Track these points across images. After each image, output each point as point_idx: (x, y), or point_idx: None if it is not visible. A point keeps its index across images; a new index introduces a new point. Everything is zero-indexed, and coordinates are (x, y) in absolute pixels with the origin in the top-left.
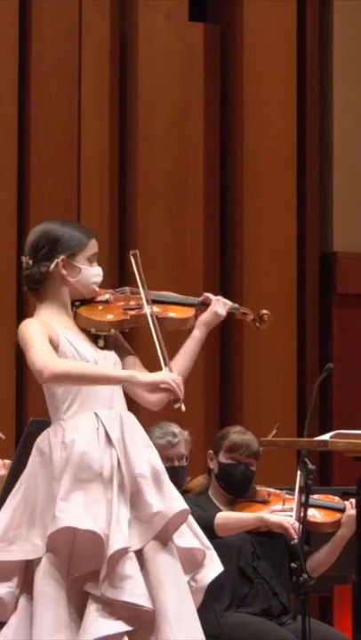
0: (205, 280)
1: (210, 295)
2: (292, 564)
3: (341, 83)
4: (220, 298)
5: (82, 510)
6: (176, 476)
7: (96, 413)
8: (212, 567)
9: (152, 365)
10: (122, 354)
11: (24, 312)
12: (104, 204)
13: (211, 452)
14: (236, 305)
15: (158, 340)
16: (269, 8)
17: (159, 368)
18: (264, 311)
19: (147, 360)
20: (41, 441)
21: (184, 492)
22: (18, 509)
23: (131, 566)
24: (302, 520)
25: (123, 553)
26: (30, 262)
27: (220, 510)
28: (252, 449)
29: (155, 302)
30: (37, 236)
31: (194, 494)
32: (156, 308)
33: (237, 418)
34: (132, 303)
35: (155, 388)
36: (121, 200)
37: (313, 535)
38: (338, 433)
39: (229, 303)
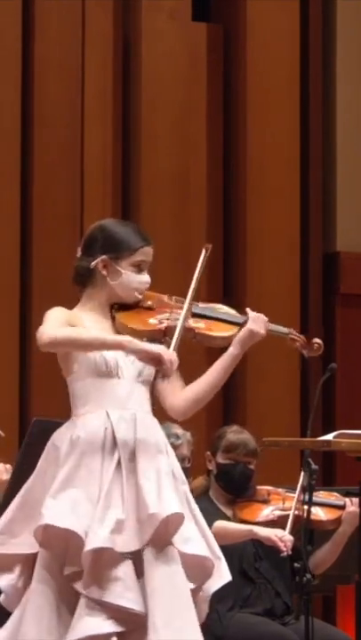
0: (208, 280)
1: (249, 312)
2: (295, 564)
3: (344, 83)
4: (260, 315)
5: (67, 508)
6: None
7: (108, 412)
8: (219, 577)
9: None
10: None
11: (26, 311)
12: (107, 203)
13: (208, 453)
14: (283, 329)
15: (180, 328)
16: (272, 8)
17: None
18: (316, 340)
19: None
20: (56, 435)
21: None
22: (23, 502)
23: (122, 568)
24: (306, 519)
25: (107, 553)
26: (80, 254)
27: (222, 512)
28: (250, 447)
29: (199, 317)
30: (92, 230)
31: (195, 495)
32: (201, 324)
33: (240, 418)
34: (174, 314)
35: (148, 357)
36: (124, 199)
37: (315, 533)
38: (341, 433)
39: (269, 324)
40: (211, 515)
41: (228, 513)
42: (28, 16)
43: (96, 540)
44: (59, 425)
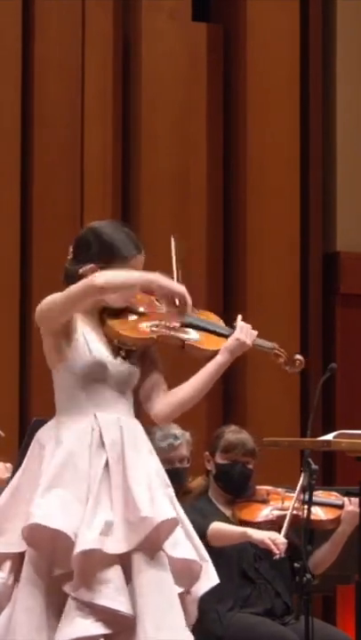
0: (208, 280)
1: (238, 321)
2: (295, 564)
3: (344, 83)
4: (246, 326)
5: (56, 508)
6: (178, 477)
7: (95, 415)
8: (207, 579)
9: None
10: (148, 367)
11: (26, 311)
12: (107, 203)
13: (207, 453)
14: (268, 343)
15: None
16: (272, 8)
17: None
18: (298, 356)
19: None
20: (41, 433)
21: (185, 493)
22: (8, 501)
23: (112, 570)
24: (306, 519)
25: (96, 555)
26: (71, 256)
27: (221, 512)
28: (248, 447)
29: (189, 327)
30: (85, 233)
31: (194, 495)
32: (191, 335)
33: (240, 418)
34: (165, 322)
35: (166, 292)
36: (124, 199)
37: (314, 533)
38: (341, 433)
39: (254, 333)
40: (210, 515)
41: (228, 513)
42: (28, 16)
43: (85, 542)
44: None
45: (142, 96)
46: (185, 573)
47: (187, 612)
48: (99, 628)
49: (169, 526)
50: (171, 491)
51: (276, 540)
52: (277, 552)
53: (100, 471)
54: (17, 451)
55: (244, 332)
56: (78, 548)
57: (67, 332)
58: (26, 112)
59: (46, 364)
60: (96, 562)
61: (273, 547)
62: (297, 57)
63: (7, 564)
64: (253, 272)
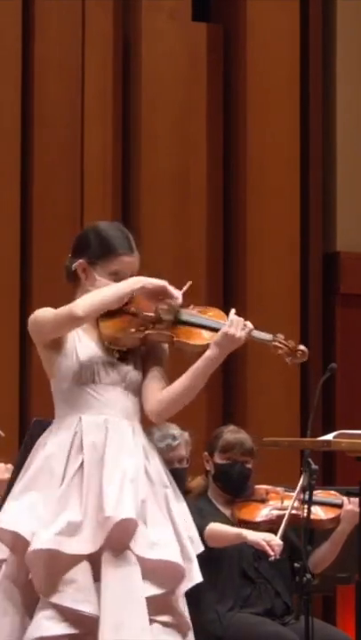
0: (208, 280)
1: (230, 314)
2: (295, 564)
3: (344, 83)
4: (239, 319)
5: (23, 512)
6: (177, 478)
7: (81, 417)
8: (188, 579)
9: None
10: (150, 367)
11: (26, 311)
12: (107, 203)
13: (206, 453)
14: (267, 335)
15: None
16: (272, 8)
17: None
18: (301, 346)
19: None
20: (42, 439)
21: (185, 493)
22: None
23: (77, 570)
24: (306, 519)
25: (59, 556)
26: (70, 254)
27: (221, 512)
28: (246, 446)
29: (182, 323)
30: (83, 230)
31: (194, 495)
32: (184, 332)
33: (240, 418)
34: (155, 320)
35: (152, 290)
36: (124, 199)
37: (314, 533)
38: (341, 433)
39: (250, 326)
40: (208, 516)
41: (227, 513)
42: (28, 16)
43: (38, 541)
44: None
45: (142, 96)
46: (166, 574)
47: (173, 611)
48: (63, 629)
49: (129, 525)
50: (168, 491)
51: (271, 542)
52: (272, 554)
53: (72, 473)
54: (17, 451)
55: (234, 325)
56: (30, 547)
57: (58, 343)
58: (26, 112)
59: None
60: (61, 563)
61: (268, 548)
62: (297, 57)
63: None
64: (253, 272)
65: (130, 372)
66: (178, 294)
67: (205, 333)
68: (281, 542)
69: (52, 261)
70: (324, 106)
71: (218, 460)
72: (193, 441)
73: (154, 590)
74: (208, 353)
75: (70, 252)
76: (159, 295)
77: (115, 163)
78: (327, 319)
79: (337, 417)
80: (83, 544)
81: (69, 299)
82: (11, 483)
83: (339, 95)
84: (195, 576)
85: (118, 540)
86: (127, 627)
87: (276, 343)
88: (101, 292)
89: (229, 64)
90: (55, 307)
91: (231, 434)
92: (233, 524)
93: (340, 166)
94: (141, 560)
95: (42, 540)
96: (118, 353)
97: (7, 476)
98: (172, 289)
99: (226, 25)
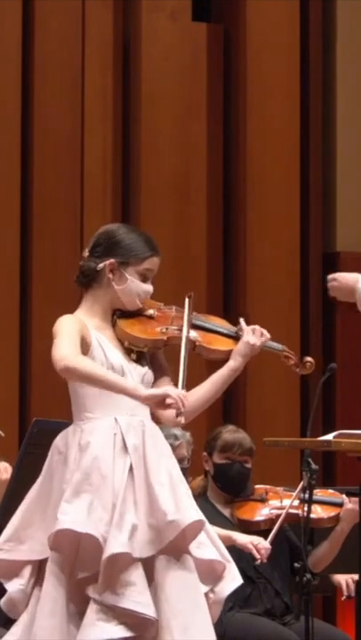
0: (209, 281)
1: (242, 324)
2: (295, 564)
3: (344, 83)
4: (255, 328)
5: (84, 513)
6: None
7: (116, 419)
8: (231, 579)
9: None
10: (157, 372)
11: (26, 311)
12: (107, 203)
13: (205, 453)
14: (278, 345)
15: (184, 365)
16: (273, 8)
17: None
18: (308, 358)
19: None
20: (60, 440)
21: None
22: (30, 509)
23: (135, 573)
24: (306, 519)
25: (122, 558)
26: (87, 254)
27: (220, 513)
28: (245, 446)
29: (198, 328)
30: (101, 232)
31: (193, 496)
32: (197, 336)
33: (240, 418)
34: (174, 325)
35: (155, 401)
36: (124, 199)
37: (314, 532)
38: (341, 433)
39: (267, 335)
40: (209, 516)
41: (227, 513)
42: (28, 16)
43: (116, 545)
44: (59, 425)
45: (143, 96)
46: (207, 573)
47: (210, 611)
48: (121, 631)
49: (195, 529)
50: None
51: (258, 545)
52: (258, 557)
53: (125, 476)
54: (17, 451)
55: (256, 334)
56: (108, 552)
57: (84, 347)
58: (26, 112)
59: (46, 364)
60: (121, 565)
61: (255, 552)
62: (297, 56)
63: (27, 571)
64: (254, 272)
65: (147, 373)
66: (182, 401)
67: (223, 339)
68: (269, 546)
69: (52, 261)
70: (324, 106)
71: (217, 460)
72: (193, 441)
73: (203, 588)
74: (232, 364)
75: (88, 253)
76: (163, 402)
77: (115, 162)
78: (327, 319)
79: (337, 417)
80: (142, 547)
81: (69, 298)
82: (10, 483)
83: (339, 95)
84: (236, 577)
85: (179, 542)
86: (195, 627)
87: (287, 353)
88: (106, 374)
89: (229, 64)
90: (55, 306)
91: (230, 434)
92: (233, 524)
93: (340, 166)
94: (194, 560)
95: (120, 542)
96: (135, 355)
97: (6, 476)
98: (175, 397)
99: (226, 25)
